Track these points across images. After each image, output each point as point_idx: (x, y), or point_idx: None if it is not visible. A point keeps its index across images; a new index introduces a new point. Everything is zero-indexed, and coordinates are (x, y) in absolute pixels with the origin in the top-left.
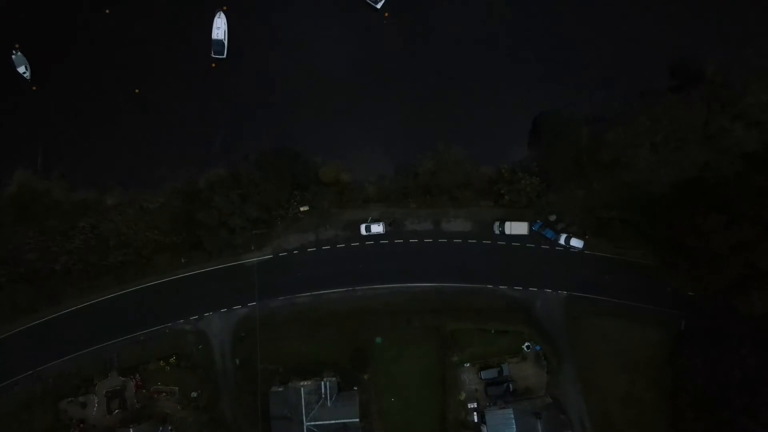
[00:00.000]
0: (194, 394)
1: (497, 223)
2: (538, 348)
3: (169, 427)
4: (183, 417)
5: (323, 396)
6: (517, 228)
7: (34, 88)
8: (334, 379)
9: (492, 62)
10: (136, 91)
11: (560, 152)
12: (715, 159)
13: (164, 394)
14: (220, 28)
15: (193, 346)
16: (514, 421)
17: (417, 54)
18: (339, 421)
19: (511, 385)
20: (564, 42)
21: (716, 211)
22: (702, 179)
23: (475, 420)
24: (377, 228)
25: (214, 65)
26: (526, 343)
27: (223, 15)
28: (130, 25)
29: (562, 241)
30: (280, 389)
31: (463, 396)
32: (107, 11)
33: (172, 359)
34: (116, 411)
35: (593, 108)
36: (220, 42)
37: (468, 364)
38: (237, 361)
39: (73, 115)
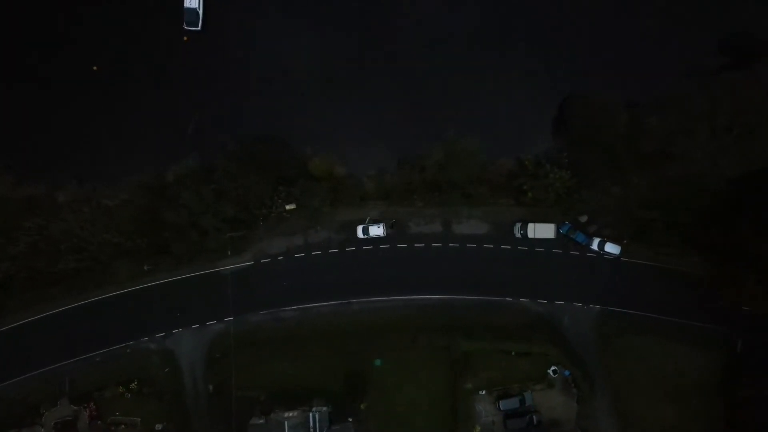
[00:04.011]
0: (159, 427)
1: (518, 225)
2: (566, 373)
3: None
4: None
5: (312, 429)
6: (542, 230)
7: None
8: (324, 408)
9: (512, 35)
10: (94, 68)
11: (593, 141)
12: None
13: (123, 426)
14: None
15: (158, 368)
16: None
17: (424, 25)
18: None
19: (534, 417)
20: (597, 13)
21: None
22: None
23: None
24: (377, 230)
25: (186, 38)
26: (553, 367)
27: None
28: None
29: (594, 246)
30: (260, 421)
31: (478, 429)
32: None
33: (134, 384)
34: None
35: (632, 89)
36: (193, 11)
37: (484, 392)
38: (210, 387)
39: (20, 96)
